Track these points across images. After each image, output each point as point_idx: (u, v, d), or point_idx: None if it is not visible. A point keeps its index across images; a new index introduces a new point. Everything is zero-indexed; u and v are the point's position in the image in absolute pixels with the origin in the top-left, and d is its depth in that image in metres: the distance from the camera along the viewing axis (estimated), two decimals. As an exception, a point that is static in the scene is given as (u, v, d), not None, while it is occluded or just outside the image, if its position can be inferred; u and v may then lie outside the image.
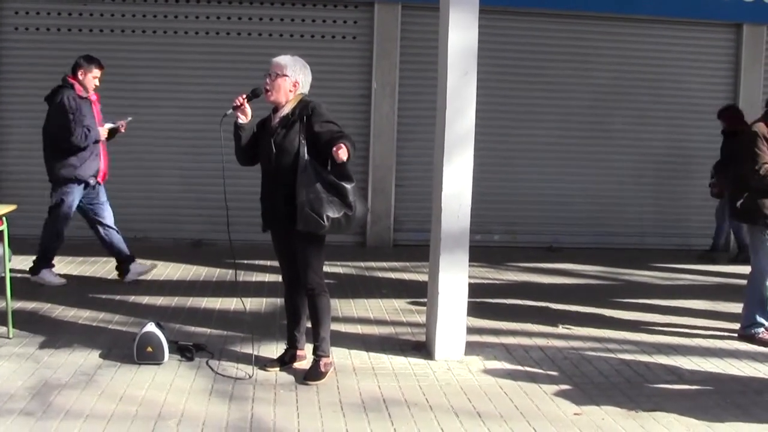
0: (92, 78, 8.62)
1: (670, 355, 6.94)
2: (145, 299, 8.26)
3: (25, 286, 8.33)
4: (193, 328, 7.27)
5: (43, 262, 8.79)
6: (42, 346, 6.62)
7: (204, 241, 11.17)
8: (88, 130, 8.40)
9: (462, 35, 6.42)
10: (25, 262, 9.15)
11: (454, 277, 6.56)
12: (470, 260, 6.67)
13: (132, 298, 8.27)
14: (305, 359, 6.38)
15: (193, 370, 6.20)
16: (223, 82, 11.06)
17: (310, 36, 11.52)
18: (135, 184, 11.39)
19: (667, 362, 6.76)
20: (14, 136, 11.28)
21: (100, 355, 6.43)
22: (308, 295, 6.16)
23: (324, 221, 5.78)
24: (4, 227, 6.74)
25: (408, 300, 8.54)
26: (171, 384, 5.90)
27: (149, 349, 6.27)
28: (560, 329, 7.64)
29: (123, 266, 9.07)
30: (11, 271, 7.21)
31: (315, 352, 6.19)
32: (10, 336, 6.78)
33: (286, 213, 5.90)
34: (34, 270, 8.77)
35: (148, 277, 9.13)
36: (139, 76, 11.27)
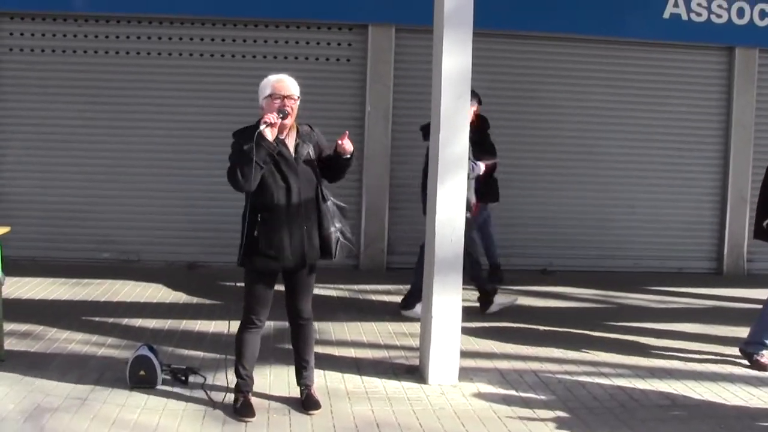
0: None
1: (665, 380, 6.92)
2: (138, 322, 8.23)
3: (18, 309, 8.28)
4: (186, 351, 7.24)
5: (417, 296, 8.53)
6: (34, 369, 6.58)
7: (198, 264, 11.14)
8: None
9: (456, 59, 6.44)
10: (18, 284, 9.12)
11: (447, 301, 6.55)
12: (464, 283, 6.66)
13: (125, 321, 8.24)
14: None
15: (187, 393, 6.18)
16: (216, 104, 11.07)
17: (304, 58, 11.52)
18: (128, 205, 11.36)
19: (661, 387, 6.74)
20: (9, 157, 11.26)
21: (93, 379, 6.40)
22: (304, 324, 6.07)
23: (353, 245, 5.99)
24: (-3, 249, 6.73)
25: (401, 323, 8.52)
26: (164, 407, 5.87)
27: (142, 372, 6.24)
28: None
29: (486, 297, 9.08)
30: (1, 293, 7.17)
31: (306, 381, 6.11)
32: (2, 358, 6.74)
33: (313, 245, 5.80)
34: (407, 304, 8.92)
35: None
36: (133, 97, 11.27)
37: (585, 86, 11.97)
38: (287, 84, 5.70)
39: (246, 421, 5.70)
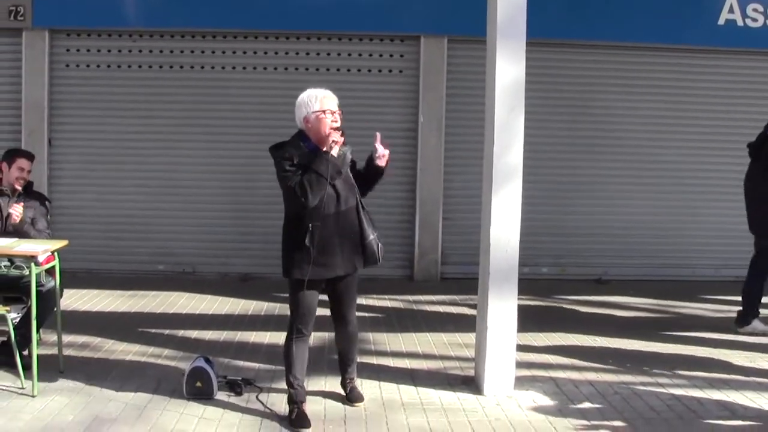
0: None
1: (723, 390, 6.81)
2: (194, 334, 8.30)
3: (76, 320, 8.38)
4: (241, 363, 7.29)
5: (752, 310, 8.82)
6: (92, 379, 6.67)
7: (251, 275, 11.19)
8: None
9: (510, 69, 6.42)
10: (75, 296, 9.23)
11: (502, 312, 6.52)
12: (518, 293, 6.63)
13: (181, 333, 8.31)
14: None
15: (242, 404, 6.22)
16: (271, 116, 11.09)
17: (357, 70, 11.56)
18: (183, 218, 11.48)
19: (719, 397, 6.63)
20: (66, 171, 11.43)
21: (150, 390, 6.46)
22: (350, 325, 6.22)
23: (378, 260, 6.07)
24: (56, 262, 6.81)
25: (456, 334, 8.49)
26: (220, 419, 5.91)
27: (198, 384, 6.29)
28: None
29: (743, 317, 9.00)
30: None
31: (352, 378, 6.37)
32: (62, 370, 6.84)
33: (356, 253, 5.95)
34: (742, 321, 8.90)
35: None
36: (187, 110, 11.38)
37: (640, 94, 11.85)
38: (331, 98, 5.89)
39: (302, 433, 5.75)
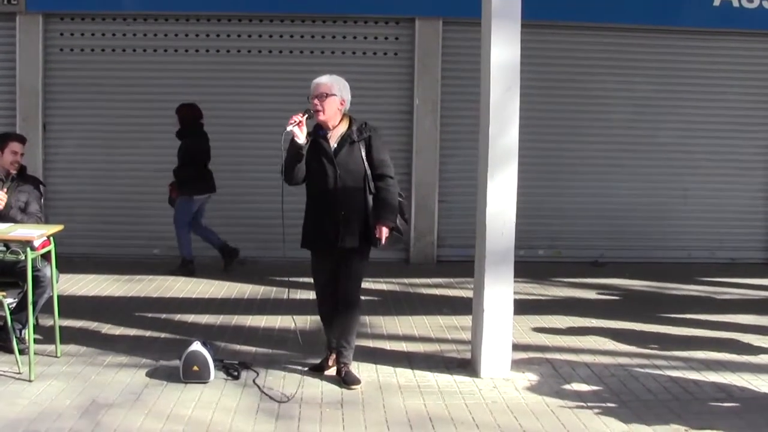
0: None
1: (720, 372, 6.82)
2: (191, 318, 8.30)
3: (72, 305, 8.38)
4: (238, 347, 7.29)
5: None
6: (89, 364, 6.67)
7: (248, 259, 11.18)
8: None
9: (505, 50, 6.40)
10: (71, 281, 9.23)
11: (499, 294, 6.52)
12: (514, 276, 6.64)
13: (177, 317, 8.31)
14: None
15: (240, 388, 6.22)
16: (267, 99, 11.12)
17: (352, 52, 11.54)
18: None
19: (716, 379, 6.64)
20: (60, 156, 11.41)
21: (147, 374, 6.47)
22: (348, 306, 6.34)
23: (402, 234, 6.30)
24: (52, 247, 6.80)
25: (452, 317, 8.49)
26: (217, 402, 5.92)
27: (195, 367, 6.29)
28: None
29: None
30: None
31: (344, 361, 6.40)
32: (58, 355, 6.84)
33: (358, 230, 6.15)
34: None
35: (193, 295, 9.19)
36: (182, 95, 11.27)
37: (634, 76, 11.84)
38: (317, 84, 6.17)
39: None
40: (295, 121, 5.99)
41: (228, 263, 10.66)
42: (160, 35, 11.40)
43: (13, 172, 7.16)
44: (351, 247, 6.19)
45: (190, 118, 10.26)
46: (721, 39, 11.91)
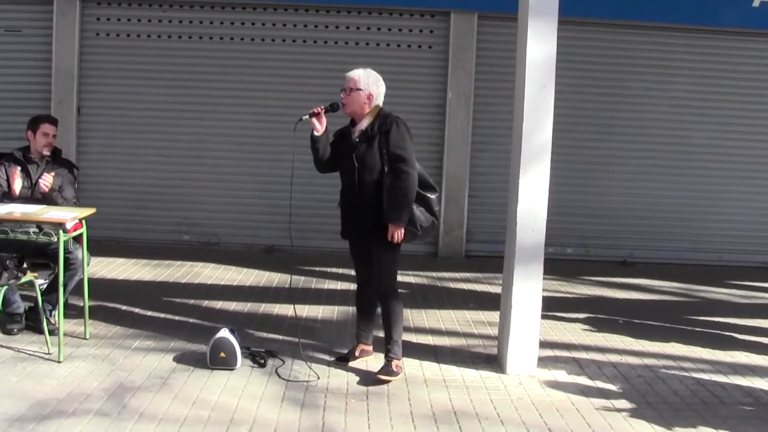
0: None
1: (747, 376, 6.77)
2: (219, 305, 8.33)
3: (102, 288, 8.44)
4: (265, 334, 7.32)
5: None
6: (117, 347, 6.72)
7: (276, 247, 11.22)
8: None
9: (541, 47, 6.37)
10: (101, 264, 9.28)
11: (527, 291, 6.50)
12: (543, 273, 6.61)
13: (206, 303, 8.35)
14: (371, 354, 6.66)
15: (265, 376, 6.25)
16: (300, 89, 11.12)
17: (386, 45, 11.53)
18: (209, 188, 11.52)
19: (743, 383, 6.60)
20: (93, 140, 11.48)
21: (174, 359, 6.51)
22: (381, 299, 6.36)
23: (418, 230, 6.19)
24: (83, 230, 6.85)
25: (479, 312, 8.48)
26: (243, 390, 5.94)
27: (222, 354, 6.32)
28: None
29: None
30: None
31: (387, 354, 6.34)
32: (87, 337, 6.89)
33: (373, 223, 6.15)
34: None
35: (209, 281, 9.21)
36: (216, 82, 11.40)
37: (672, 76, 11.74)
38: (347, 77, 6.26)
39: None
40: (314, 112, 6.19)
41: None
42: (195, 22, 11.43)
43: (47, 154, 7.21)
44: (372, 240, 6.23)
45: None
46: (760, 41, 11.78)
